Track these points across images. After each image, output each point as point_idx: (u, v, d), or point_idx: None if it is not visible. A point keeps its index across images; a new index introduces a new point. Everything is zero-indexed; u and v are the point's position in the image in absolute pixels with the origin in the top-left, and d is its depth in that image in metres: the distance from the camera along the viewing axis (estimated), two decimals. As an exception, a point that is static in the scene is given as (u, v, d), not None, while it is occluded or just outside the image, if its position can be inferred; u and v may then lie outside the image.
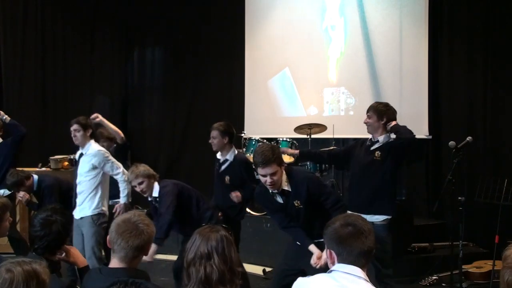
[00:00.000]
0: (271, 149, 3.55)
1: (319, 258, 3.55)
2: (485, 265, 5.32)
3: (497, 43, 6.21)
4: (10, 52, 7.85)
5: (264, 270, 5.91)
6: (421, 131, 6.65)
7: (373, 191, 4.19)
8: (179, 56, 8.86)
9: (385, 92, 7.00)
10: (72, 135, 4.80)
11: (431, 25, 6.66)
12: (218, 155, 4.74)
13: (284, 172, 3.59)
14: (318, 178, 4.02)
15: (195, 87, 8.80)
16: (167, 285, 4.72)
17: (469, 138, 4.52)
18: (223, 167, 4.68)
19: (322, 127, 6.75)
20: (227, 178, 4.64)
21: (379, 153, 4.17)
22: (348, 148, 4.60)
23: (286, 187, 3.60)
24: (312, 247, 3.63)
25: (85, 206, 4.76)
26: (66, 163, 7.03)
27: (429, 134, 6.65)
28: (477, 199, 5.21)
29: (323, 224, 3.48)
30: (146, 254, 2.43)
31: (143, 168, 4.37)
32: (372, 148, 4.23)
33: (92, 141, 4.86)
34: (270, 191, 3.63)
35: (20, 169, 5.40)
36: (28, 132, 5.90)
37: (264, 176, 3.50)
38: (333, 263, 2.14)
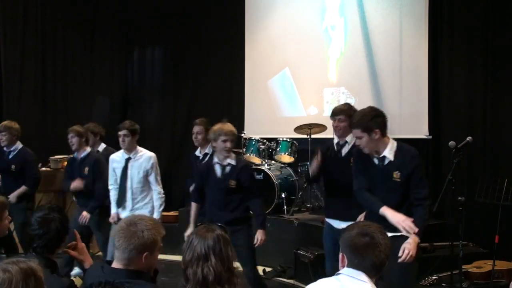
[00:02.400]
0: (364, 115, 3.50)
1: (404, 220, 3.34)
2: (485, 265, 5.31)
3: (497, 43, 6.19)
4: (10, 52, 7.84)
5: (264, 270, 5.90)
6: (421, 131, 6.66)
7: (351, 196, 4.05)
8: (179, 56, 8.86)
9: (385, 92, 7.01)
10: (121, 140, 5.03)
11: (431, 25, 6.65)
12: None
13: (392, 142, 3.56)
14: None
15: (195, 87, 8.80)
16: (167, 285, 4.71)
17: (469, 138, 4.50)
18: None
19: (322, 127, 6.75)
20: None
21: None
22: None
23: (389, 155, 3.53)
24: (386, 210, 3.44)
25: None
26: (66, 163, 7.01)
27: (429, 134, 6.64)
28: (477, 199, 5.21)
29: (409, 209, 3.47)
30: (151, 255, 2.39)
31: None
32: (344, 152, 4.19)
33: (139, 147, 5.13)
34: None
35: None
36: (28, 132, 5.90)
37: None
38: (343, 267, 2.19)
